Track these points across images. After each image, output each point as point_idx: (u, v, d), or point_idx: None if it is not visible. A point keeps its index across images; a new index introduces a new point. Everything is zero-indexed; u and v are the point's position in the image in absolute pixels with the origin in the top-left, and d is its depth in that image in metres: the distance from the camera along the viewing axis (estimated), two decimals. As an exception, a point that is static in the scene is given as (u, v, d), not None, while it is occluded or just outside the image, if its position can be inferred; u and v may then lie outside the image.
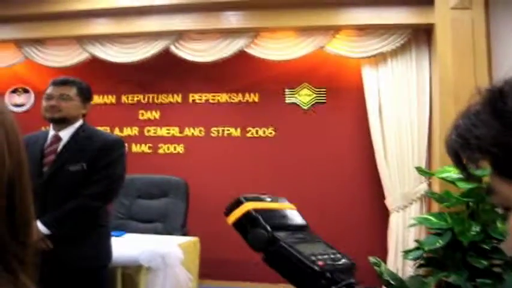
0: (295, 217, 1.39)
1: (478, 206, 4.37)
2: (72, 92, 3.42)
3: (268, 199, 1.42)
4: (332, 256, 1.19)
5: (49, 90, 3.43)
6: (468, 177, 0.82)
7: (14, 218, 0.68)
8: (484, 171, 0.78)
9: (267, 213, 1.33)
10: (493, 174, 0.76)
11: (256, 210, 1.32)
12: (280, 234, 1.25)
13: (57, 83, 3.44)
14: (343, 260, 1.19)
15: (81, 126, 3.44)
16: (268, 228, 1.27)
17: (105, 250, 3.46)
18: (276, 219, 1.33)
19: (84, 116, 3.51)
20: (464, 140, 0.77)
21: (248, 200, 1.36)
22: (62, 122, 3.38)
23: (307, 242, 1.25)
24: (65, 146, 3.36)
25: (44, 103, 3.41)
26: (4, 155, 0.68)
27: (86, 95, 3.50)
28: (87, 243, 3.31)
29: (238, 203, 1.35)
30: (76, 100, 3.42)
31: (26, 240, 0.70)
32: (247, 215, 1.32)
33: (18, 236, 0.68)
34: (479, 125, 0.75)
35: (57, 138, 3.38)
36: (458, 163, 0.80)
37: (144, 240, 4.42)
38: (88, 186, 3.25)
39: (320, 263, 1.13)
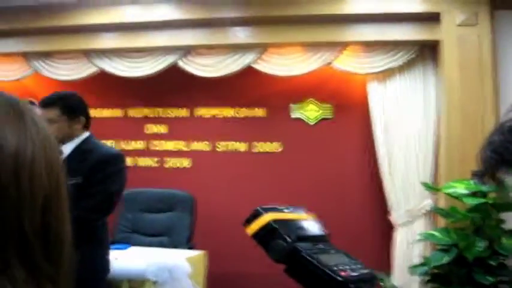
0: (314, 227, 1.38)
1: (484, 221, 4.38)
2: (54, 113, 3.33)
3: (287, 210, 1.41)
4: (354, 266, 1.18)
5: None
6: (501, 189, 0.84)
7: (49, 237, 0.66)
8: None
9: (287, 224, 1.32)
10: None
11: (276, 221, 1.31)
12: (301, 245, 1.24)
13: (41, 105, 3.36)
14: (365, 270, 1.19)
15: (84, 140, 3.41)
16: (289, 239, 1.26)
17: (102, 263, 3.43)
18: (296, 230, 1.31)
19: (86, 127, 3.45)
20: (499, 156, 0.79)
21: (267, 210, 1.35)
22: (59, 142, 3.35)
23: (328, 253, 1.23)
24: (65, 160, 3.32)
25: None
26: (41, 173, 0.66)
27: (73, 111, 3.40)
28: (83, 255, 3.25)
29: (257, 214, 1.34)
30: (61, 120, 3.34)
31: (59, 260, 0.68)
32: (266, 226, 1.30)
33: (52, 256, 0.66)
34: None
35: (59, 153, 3.34)
36: (492, 177, 0.82)
37: (151, 253, 4.40)
38: (84, 200, 3.20)
39: (343, 273, 1.12)
